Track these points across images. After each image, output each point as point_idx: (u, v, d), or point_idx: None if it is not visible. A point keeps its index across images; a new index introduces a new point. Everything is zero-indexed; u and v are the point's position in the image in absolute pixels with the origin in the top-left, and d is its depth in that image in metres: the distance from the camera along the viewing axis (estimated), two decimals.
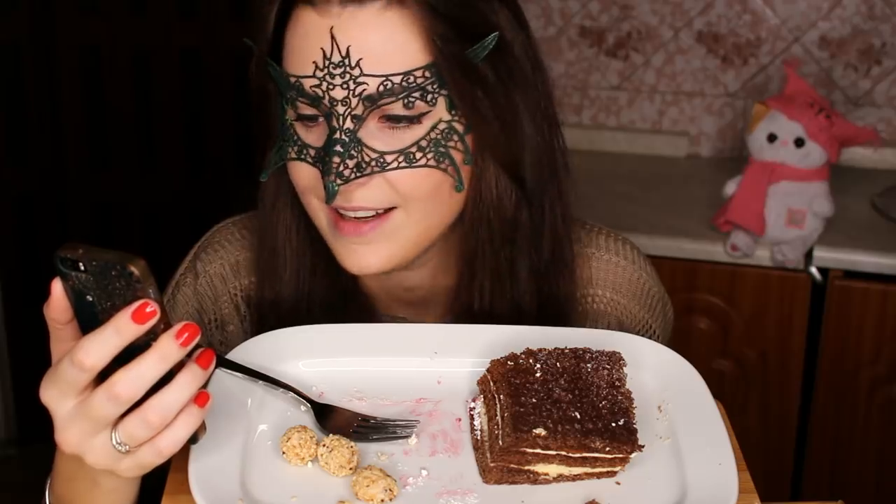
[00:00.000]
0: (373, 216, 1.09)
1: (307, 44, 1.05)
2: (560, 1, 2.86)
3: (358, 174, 1.05)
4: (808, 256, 2.31)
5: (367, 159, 1.06)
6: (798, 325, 2.34)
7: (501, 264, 1.15)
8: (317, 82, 1.05)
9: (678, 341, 1.29)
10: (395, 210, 1.09)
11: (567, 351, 0.99)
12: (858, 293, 2.29)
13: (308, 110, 1.08)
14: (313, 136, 1.09)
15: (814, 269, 2.31)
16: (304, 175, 1.10)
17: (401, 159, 1.06)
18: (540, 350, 0.98)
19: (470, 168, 1.10)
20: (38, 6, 3.07)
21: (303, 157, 1.09)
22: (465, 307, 1.17)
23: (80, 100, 3.15)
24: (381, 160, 1.06)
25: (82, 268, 0.81)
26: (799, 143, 2.28)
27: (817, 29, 2.73)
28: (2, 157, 3.24)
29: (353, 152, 1.05)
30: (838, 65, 2.74)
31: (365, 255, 1.10)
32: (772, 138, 2.30)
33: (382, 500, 0.91)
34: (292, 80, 1.06)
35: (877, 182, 2.62)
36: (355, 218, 1.09)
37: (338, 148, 1.05)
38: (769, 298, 2.34)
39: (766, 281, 2.34)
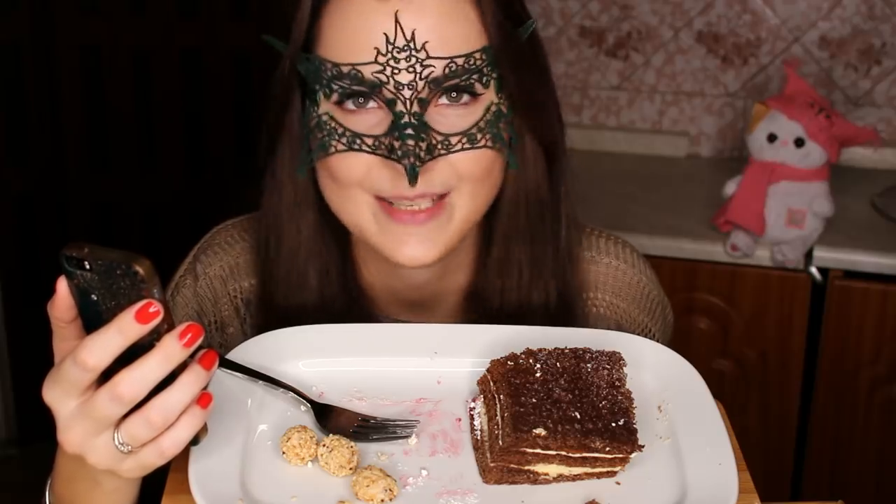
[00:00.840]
0: (427, 207, 1.09)
1: (365, 30, 1.05)
2: (560, 1, 2.86)
3: (429, 156, 1.06)
4: (808, 256, 2.31)
5: (433, 142, 1.06)
6: (798, 325, 2.34)
7: (536, 245, 1.17)
8: (379, 68, 1.04)
9: (678, 341, 1.29)
10: (449, 194, 1.10)
11: (567, 351, 0.99)
12: (858, 293, 2.29)
13: (360, 98, 1.07)
14: (363, 125, 1.07)
15: (814, 269, 2.31)
16: (356, 166, 1.08)
17: (464, 140, 1.07)
18: (540, 350, 0.99)
19: (515, 148, 1.12)
20: (38, 6, 3.07)
21: (356, 146, 1.07)
22: (492, 294, 1.18)
23: (80, 100, 3.15)
24: (447, 142, 1.07)
25: (87, 267, 0.82)
26: (799, 143, 2.28)
27: (817, 29, 2.73)
28: (2, 157, 3.24)
29: (423, 135, 1.05)
30: (838, 65, 2.74)
31: (417, 245, 1.10)
32: (772, 138, 2.30)
33: (382, 500, 0.91)
34: (345, 68, 1.06)
35: (877, 182, 2.62)
36: (409, 209, 1.09)
37: (409, 131, 1.05)
38: (769, 298, 2.34)
39: (766, 281, 2.34)
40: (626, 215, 2.45)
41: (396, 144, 1.05)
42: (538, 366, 0.97)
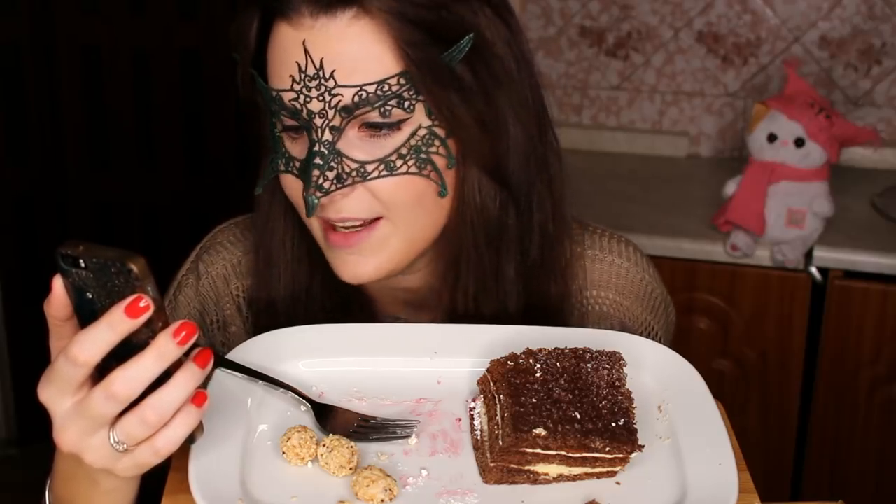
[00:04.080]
0: (361, 227, 1.09)
1: (284, 58, 1.05)
2: (560, 1, 2.86)
3: (339, 185, 1.05)
4: (808, 256, 2.31)
5: (347, 170, 1.05)
6: (798, 325, 2.34)
7: (486, 267, 1.14)
8: (294, 95, 1.05)
9: (678, 341, 1.29)
10: (381, 220, 1.09)
11: (567, 351, 0.99)
12: (858, 293, 2.29)
13: (291, 122, 1.08)
14: (298, 148, 1.09)
15: (814, 269, 2.31)
16: (292, 187, 1.10)
17: (381, 168, 1.06)
18: (540, 350, 0.98)
19: (454, 172, 1.10)
20: (38, 6, 3.07)
21: (290, 169, 1.09)
22: (449, 310, 1.17)
23: (80, 100, 3.15)
24: (362, 170, 1.06)
25: (83, 265, 0.82)
26: (799, 143, 2.28)
27: (817, 29, 2.73)
28: (2, 157, 3.24)
29: (332, 164, 1.05)
30: (838, 65, 2.74)
31: (357, 264, 1.10)
32: (772, 138, 2.30)
33: (382, 500, 0.91)
34: (273, 93, 1.06)
35: (877, 182, 2.62)
36: (344, 229, 1.09)
37: (317, 160, 1.05)
38: (769, 298, 2.34)
39: (766, 281, 2.34)
40: (626, 215, 2.45)
41: (308, 173, 1.05)
42: (538, 366, 0.97)
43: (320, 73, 1.03)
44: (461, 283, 1.15)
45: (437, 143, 1.07)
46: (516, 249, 1.15)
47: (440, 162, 1.08)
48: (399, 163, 1.06)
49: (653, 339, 1.25)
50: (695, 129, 2.87)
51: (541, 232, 1.16)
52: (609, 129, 2.92)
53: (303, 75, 1.04)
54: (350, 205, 1.07)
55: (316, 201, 1.05)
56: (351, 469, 0.94)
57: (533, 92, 1.13)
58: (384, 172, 1.06)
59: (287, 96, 1.05)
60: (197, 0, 3.04)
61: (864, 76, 2.73)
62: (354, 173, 1.06)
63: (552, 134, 1.17)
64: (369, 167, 1.06)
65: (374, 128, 1.05)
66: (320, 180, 1.05)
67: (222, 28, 3.03)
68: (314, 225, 1.12)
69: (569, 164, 1.19)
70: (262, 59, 1.09)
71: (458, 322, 1.14)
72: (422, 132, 1.06)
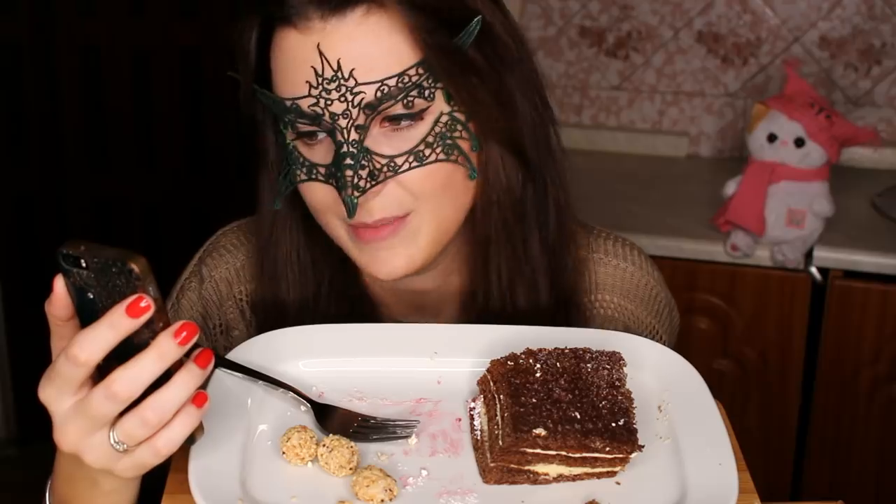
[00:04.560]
0: (391, 220, 1.09)
1: (296, 64, 1.05)
2: (560, 1, 2.86)
3: (373, 182, 1.05)
4: (808, 256, 2.31)
5: (378, 166, 1.06)
6: (798, 325, 2.34)
7: (516, 244, 1.15)
8: (314, 101, 1.04)
9: (678, 341, 1.29)
10: (409, 215, 1.09)
11: (567, 351, 0.99)
12: (858, 293, 2.29)
13: (309, 129, 1.07)
14: (318, 155, 1.08)
15: (814, 269, 2.31)
16: (318, 195, 1.10)
17: (411, 159, 1.06)
18: (540, 350, 0.98)
19: (477, 154, 1.10)
20: (38, 6, 3.07)
21: (313, 176, 1.09)
22: (483, 296, 1.17)
23: (80, 100, 3.15)
24: (392, 164, 1.06)
25: (84, 264, 0.82)
26: (799, 143, 2.28)
27: (817, 29, 2.73)
28: (2, 157, 3.24)
29: (363, 162, 1.05)
30: (838, 65, 2.74)
31: (390, 259, 1.10)
32: (772, 138, 2.30)
33: (382, 500, 0.91)
34: (288, 102, 1.06)
35: (877, 182, 2.62)
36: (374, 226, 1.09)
37: (348, 161, 1.05)
38: (769, 298, 2.34)
39: (766, 281, 2.34)
40: (626, 215, 2.45)
41: (339, 175, 1.05)
42: (538, 366, 0.97)
43: (339, 74, 1.03)
44: (493, 263, 1.15)
45: (459, 127, 1.08)
46: (538, 224, 1.16)
47: (465, 145, 1.09)
48: (427, 152, 1.07)
49: (657, 342, 1.25)
50: (695, 129, 2.87)
51: (555, 203, 1.17)
52: (609, 129, 2.92)
53: (320, 79, 1.04)
54: (381, 203, 1.07)
55: (356, 200, 1.05)
56: (351, 469, 0.94)
57: (531, 72, 1.15)
58: (414, 164, 1.06)
59: (305, 102, 1.05)
60: (197, 0, 3.04)
61: (864, 76, 2.73)
62: (385, 168, 1.06)
63: (550, 111, 1.18)
64: (399, 160, 1.06)
65: (395, 121, 1.06)
66: (355, 179, 1.05)
67: (222, 27, 3.03)
68: (340, 231, 1.12)
69: (569, 164, 1.20)
70: (265, 71, 1.09)
71: (483, 315, 1.15)
72: (444, 118, 1.07)
